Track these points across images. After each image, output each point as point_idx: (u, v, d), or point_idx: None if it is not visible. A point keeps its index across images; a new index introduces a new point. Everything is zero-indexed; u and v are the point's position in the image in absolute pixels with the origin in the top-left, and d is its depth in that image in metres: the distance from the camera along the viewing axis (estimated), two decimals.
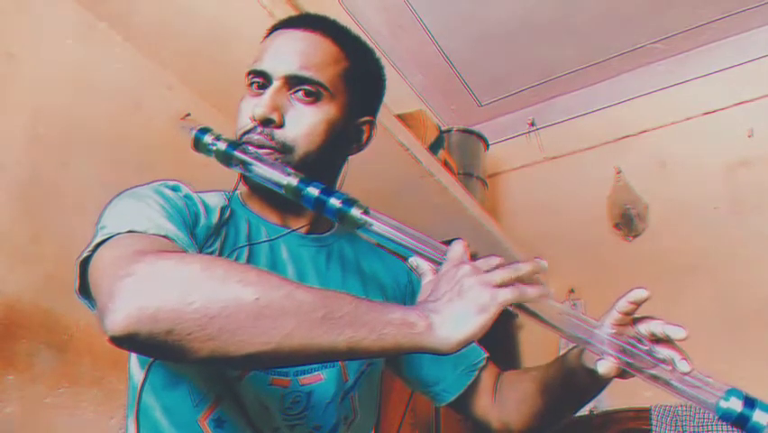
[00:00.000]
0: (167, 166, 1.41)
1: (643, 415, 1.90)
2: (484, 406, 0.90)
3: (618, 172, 2.44)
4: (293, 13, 1.27)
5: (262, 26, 1.27)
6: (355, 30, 0.86)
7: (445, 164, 2.04)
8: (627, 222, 2.37)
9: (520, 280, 0.58)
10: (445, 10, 2.24)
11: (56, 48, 1.28)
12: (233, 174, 0.76)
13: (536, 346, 2.28)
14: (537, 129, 2.71)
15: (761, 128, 2.21)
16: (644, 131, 2.47)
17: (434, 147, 2.00)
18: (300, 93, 0.76)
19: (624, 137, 2.51)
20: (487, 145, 2.55)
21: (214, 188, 0.83)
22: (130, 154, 1.37)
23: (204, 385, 0.72)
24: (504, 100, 2.71)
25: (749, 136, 2.23)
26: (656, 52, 2.42)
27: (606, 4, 2.19)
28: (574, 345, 0.73)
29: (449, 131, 2.45)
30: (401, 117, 1.83)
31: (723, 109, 2.31)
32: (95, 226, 0.66)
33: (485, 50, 2.43)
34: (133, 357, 0.77)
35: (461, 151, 2.40)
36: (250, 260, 0.76)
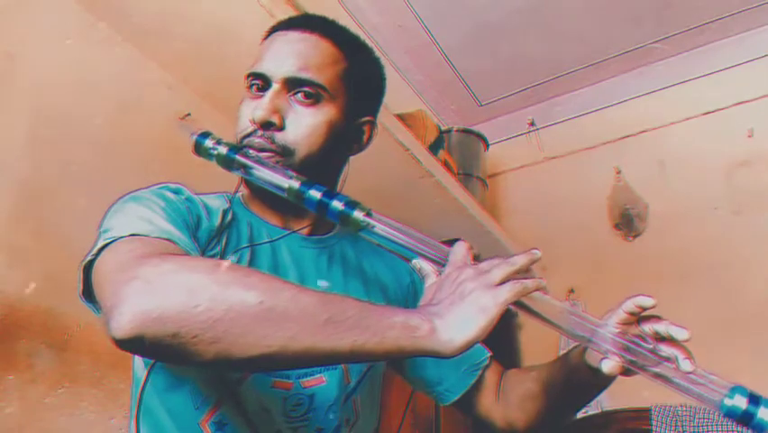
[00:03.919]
0: (166, 166, 1.41)
1: (643, 415, 1.90)
2: (488, 405, 0.90)
3: (618, 172, 2.44)
4: (293, 12, 1.27)
5: (262, 26, 1.27)
6: (355, 30, 0.86)
7: (445, 164, 2.04)
8: (627, 222, 2.37)
9: (518, 274, 0.59)
10: (446, 10, 2.24)
11: (56, 48, 1.28)
12: (233, 174, 0.76)
13: (537, 346, 2.28)
14: (537, 129, 2.71)
15: (761, 128, 2.21)
16: (644, 131, 2.47)
17: (434, 147, 2.00)
18: (300, 95, 0.76)
19: (624, 137, 2.50)
20: (487, 145, 2.55)
21: (214, 188, 0.83)
22: (130, 154, 1.37)
23: (205, 388, 0.72)
24: (504, 100, 2.71)
25: (749, 136, 2.23)
26: (656, 52, 2.42)
27: (606, 3, 2.19)
28: (576, 343, 0.73)
29: (449, 131, 2.45)
30: (401, 117, 1.83)
31: (723, 109, 2.31)
32: (97, 230, 0.66)
33: (485, 50, 2.43)
34: (137, 358, 0.77)
35: (461, 151, 2.40)
36: (252, 262, 0.76)
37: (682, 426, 1.81)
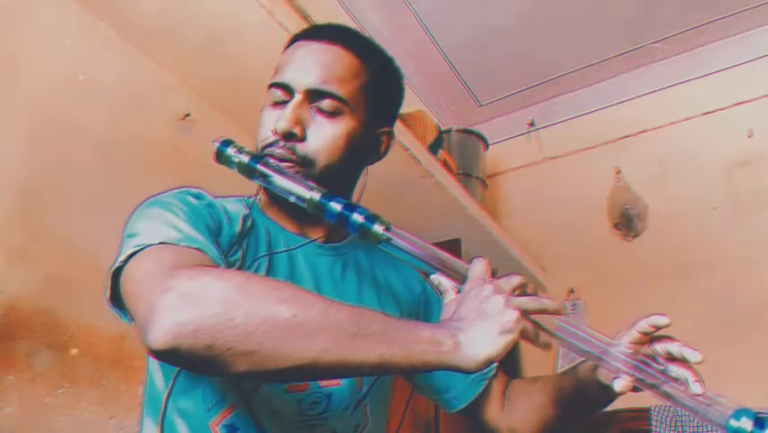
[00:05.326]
0: (167, 166, 1.41)
1: (643, 415, 1.90)
2: (493, 414, 0.91)
3: (618, 172, 2.44)
4: (293, 13, 1.27)
5: (262, 26, 1.28)
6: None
7: (445, 164, 2.04)
8: (627, 222, 2.37)
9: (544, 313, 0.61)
10: (445, 10, 2.24)
11: (56, 48, 1.28)
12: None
13: (536, 349, 2.27)
14: (537, 129, 2.71)
15: (761, 128, 2.21)
16: (644, 131, 2.47)
17: (434, 147, 2.00)
18: (322, 107, 0.77)
19: (624, 137, 2.51)
20: (486, 145, 2.55)
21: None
22: (130, 154, 1.37)
23: (218, 391, 0.72)
24: (504, 100, 2.71)
25: (749, 136, 2.23)
26: (656, 52, 2.42)
27: (606, 4, 2.19)
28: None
29: (449, 131, 2.45)
30: (401, 117, 1.83)
31: (723, 109, 2.31)
32: (122, 233, 0.67)
33: (485, 50, 2.43)
34: (155, 360, 0.77)
35: (460, 151, 2.40)
36: (270, 269, 0.77)
37: (682, 426, 1.82)
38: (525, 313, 0.59)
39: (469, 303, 0.61)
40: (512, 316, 0.57)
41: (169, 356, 0.52)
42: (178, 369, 0.71)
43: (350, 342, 0.53)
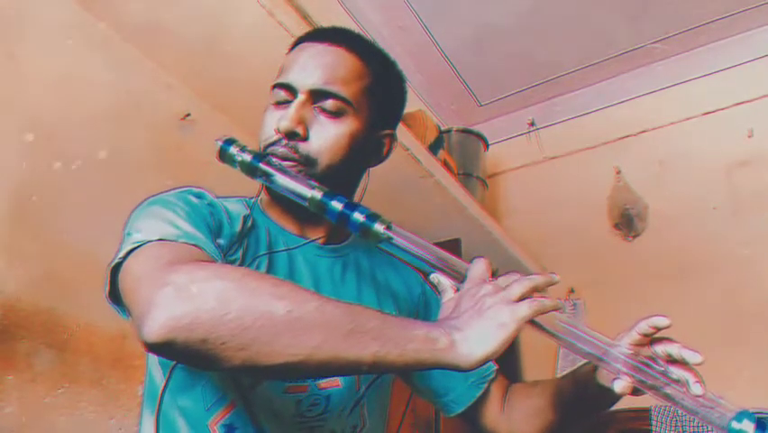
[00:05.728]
0: (167, 166, 1.41)
1: (643, 415, 1.90)
2: (493, 418, 0.91)
3: (618, 172, 2.44)
4: (293, 13, 1.27)
5: (262, 26, 1.28)
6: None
7: (445, 164, 2.04)
8: (627, 222, 2.37)
9: (536, 291, 0.60)
10: (445, 10, 2.24)
11: (56, 48, 1.28)
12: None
13: (536, 349, 2.28)
14: (537, 129, 2.71)
15: (761, 128, 2.21)
16: (644, 131, 2.47)
17: (434, 147, 2.00)
18: (324, 107, 0.78)
19: (624, 137, 2.51)
20: (487, 145, 2.55)
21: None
22: (130, 154, 1.37)
23: (218, 390, 0.73)
24: (504, 100, 2.71)
25: (749, 136, 2.23)
26: (656, 52, 2.42)
27: (606, 4, 2.19)
28: (584, 361, 0.74)
29: (449, 131, 2.45)
30: (401, 117, 1.83)
31: (723, 109, 2.31)
32: (122, 232, 0.67)
33: (485, 51, 2.43)
34: (154, 357, 0.77)
35: (460, 151, 2.40)
36: (269, 269, 0.77)
37: (682, 426, 1.82)
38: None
39: (466, 302, 0.60)
40: (508, 312, 0.57)
41: (164, 350, 0.52)
42: (173, 363, 0.72)
43: (344, 339, 0.53)
